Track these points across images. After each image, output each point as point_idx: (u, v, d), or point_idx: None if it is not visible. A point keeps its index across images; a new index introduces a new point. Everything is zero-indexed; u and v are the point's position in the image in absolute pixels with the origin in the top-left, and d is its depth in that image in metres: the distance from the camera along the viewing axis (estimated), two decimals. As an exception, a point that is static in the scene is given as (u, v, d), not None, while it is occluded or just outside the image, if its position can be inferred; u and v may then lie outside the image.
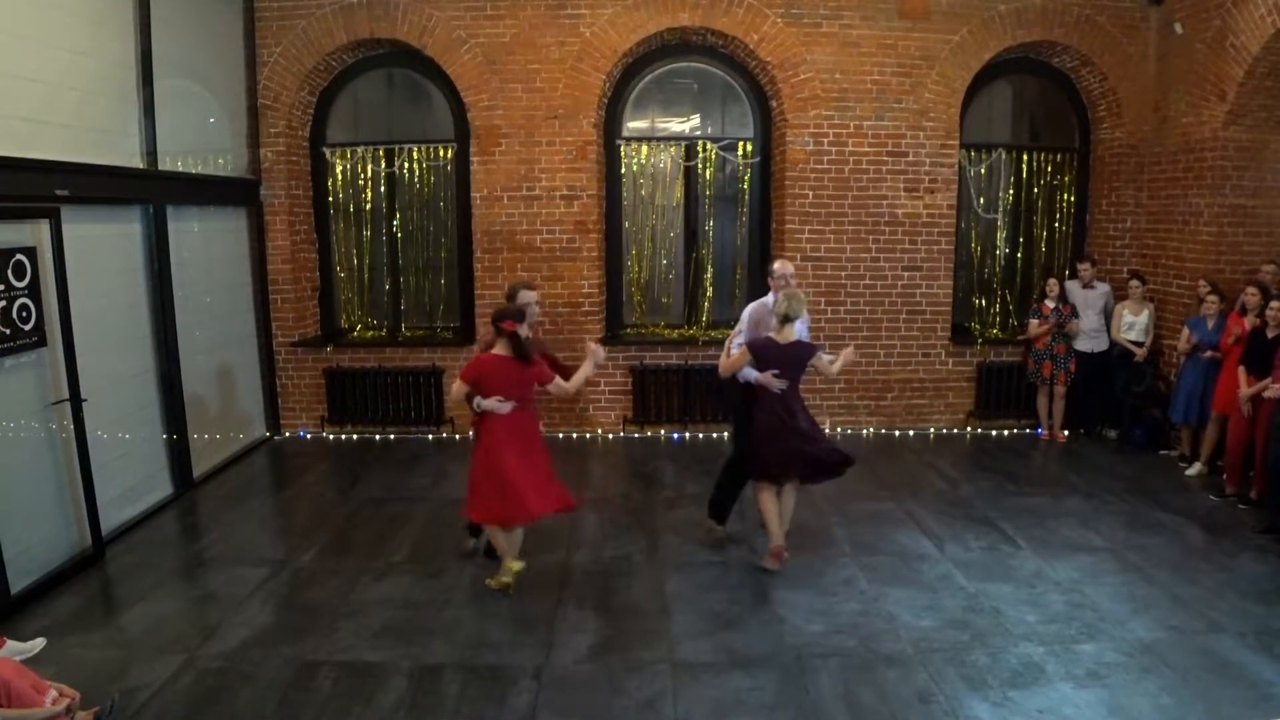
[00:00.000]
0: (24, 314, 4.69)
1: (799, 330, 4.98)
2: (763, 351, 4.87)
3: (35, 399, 4.85)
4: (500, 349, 4.62)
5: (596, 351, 4.86)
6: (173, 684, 3.89)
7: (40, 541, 4.84)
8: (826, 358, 5.10)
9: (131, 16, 5.92)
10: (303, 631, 4.37)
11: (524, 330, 4.65)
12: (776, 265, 5.28)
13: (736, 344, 5.14)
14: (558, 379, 4.82)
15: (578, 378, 4.90)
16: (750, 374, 4.96)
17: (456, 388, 4.66)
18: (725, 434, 7.83)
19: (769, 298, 5.25)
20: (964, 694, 3.79)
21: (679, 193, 8.21)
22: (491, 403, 4.57)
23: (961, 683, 3.88)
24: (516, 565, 4.73)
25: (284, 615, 4.57)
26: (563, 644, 4.25)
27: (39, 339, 4.82)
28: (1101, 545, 5.42)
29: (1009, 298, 8.48)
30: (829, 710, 3.69)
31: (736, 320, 8.18)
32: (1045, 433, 7.92)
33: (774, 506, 5.02)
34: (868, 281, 7.90)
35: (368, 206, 8.23)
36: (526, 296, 4.97)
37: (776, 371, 4.84)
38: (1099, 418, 7.90)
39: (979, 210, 8.31)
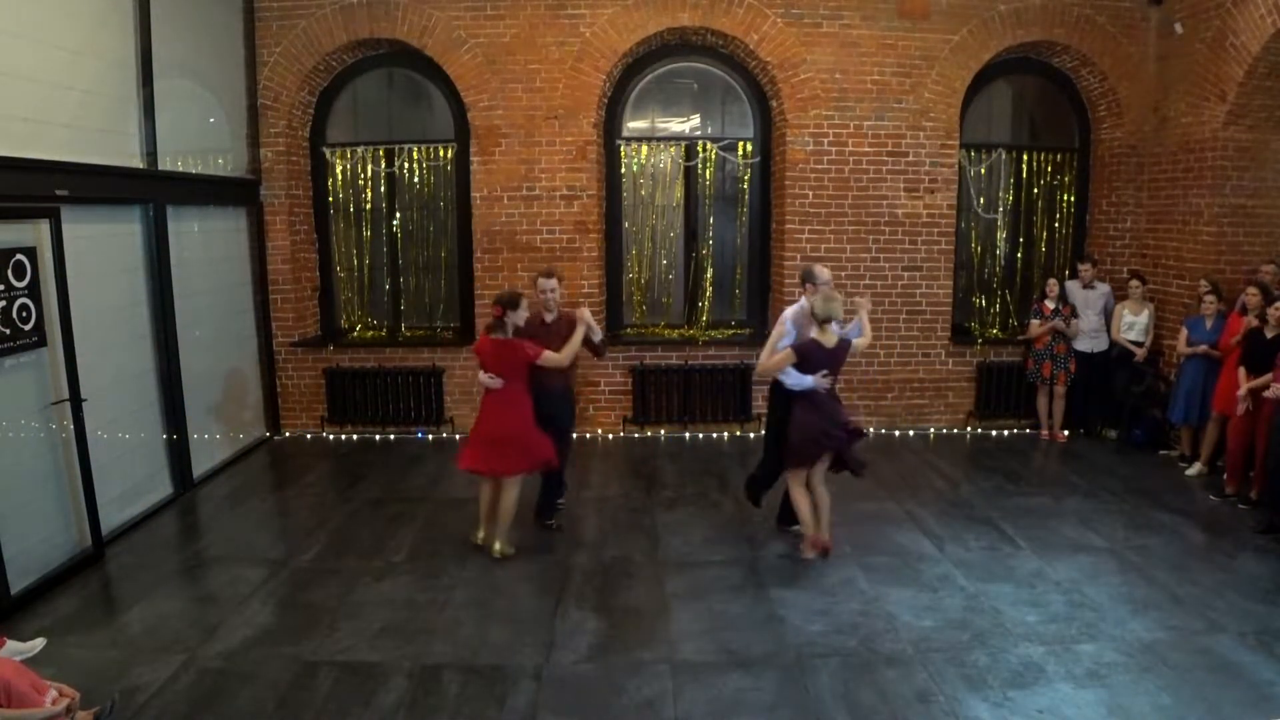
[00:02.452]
0: (24, 314, 4.69)
1: (836, 329, 5.08)
2: (810, 353, 4.98)
3: (35, 399, 4.85)
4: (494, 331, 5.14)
5: (583, 314, 5.33)
6: (173, 684, 3.89)
7: (40, 541, 4.84)
8: (857, 340, 5.28)
9: (131, 16, 5.92)
10: (303, 631, 4.38)
11: (518, 316, 5.11)
12: (819, 270, 5.36)
13: (782, 344, 5.13)
14: (546, 352, 5.12)
15: (567, 348, 5.23)
16: (797, 380, 5.01)
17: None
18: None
19: (803, 302, 5.22)
20: (964, 694, 3.79)
21: (679, 193, 8.20)
22: (484, 379, 5.14)
23: (961, 683, 3.88)
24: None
25: (284, 615, 4.57)
26: (563, 644, 4.25)
27: (39, 339, 4.82)
28: (1101, 545, 5.42)
29: (1009, 298, 8.47)
30: (829, 710, 3.69)
31: (736, 320, 8.30)
32: (1045, 433, 7.92)
33: (806, 500, 5.17)
34: (868, 281, 7.89)
35: (368, 206, 8.22)
36: (545, 284, 5.41)
37: (825, 373, 5.00)
38: (1099, 418, 7.90)
39: (979, 210, 8.30)
